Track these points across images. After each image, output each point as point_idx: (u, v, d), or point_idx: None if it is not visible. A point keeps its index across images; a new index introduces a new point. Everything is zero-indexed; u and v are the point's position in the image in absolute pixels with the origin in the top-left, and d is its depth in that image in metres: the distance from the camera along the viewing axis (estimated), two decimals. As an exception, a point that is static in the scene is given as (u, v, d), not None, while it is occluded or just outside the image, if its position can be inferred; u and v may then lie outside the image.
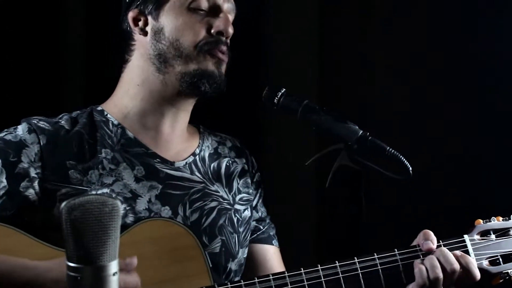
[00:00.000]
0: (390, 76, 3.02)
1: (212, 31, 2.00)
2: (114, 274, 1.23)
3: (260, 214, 2.18)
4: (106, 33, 2.51)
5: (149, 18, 2.01)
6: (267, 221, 2.19)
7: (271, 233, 2.18)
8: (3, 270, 1.68)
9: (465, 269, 1.84)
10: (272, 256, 2.15)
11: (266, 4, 3.13)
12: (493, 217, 1.95)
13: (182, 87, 1.99)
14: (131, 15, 2.03)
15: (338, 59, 3.09)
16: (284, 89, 1.97)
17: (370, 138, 1.90)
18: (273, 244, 2.16)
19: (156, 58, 2.00)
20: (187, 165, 2.05)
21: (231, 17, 2.06)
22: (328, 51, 3.10)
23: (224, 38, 2.02)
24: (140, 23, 2.02)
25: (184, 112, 2.07)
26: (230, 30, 2.02)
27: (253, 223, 2.15)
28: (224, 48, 2.01)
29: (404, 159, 1.86)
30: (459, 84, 2.91)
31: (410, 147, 2.07)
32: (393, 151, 1.87)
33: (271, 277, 1.82)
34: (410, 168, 1.86)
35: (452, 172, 2.90)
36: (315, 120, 1.94)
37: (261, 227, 2.16)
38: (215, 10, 2.02)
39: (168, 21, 1.99)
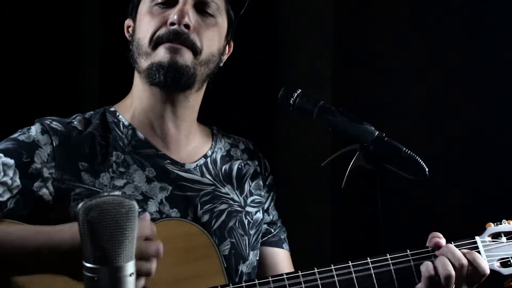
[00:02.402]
0: (405, 76, 3.02)
1: (168, 22, 1.95)
2: (130, 275, 1.24)
3: (271, 217, 2.17)
4: (122, 33, 2.52)
5: (132, 23, 2.06)
6: (278, 224, 2.19)
7: (282, 237, 2.17)
8: (18, 237, 1.68)
9: (473, 265, 1.83)
10: (282, 260, 2.14)
11: (281, 3, 3.14)
12: (504, 220, 1.95)
13: (148, 80, 1.97)
14: (126, 23, 2.08)
15: (354, 59, 3.09)
16: (300, 90, 1.97)
17: (386, 139, 1.89)
18: (283, 248, 2.16)
19: (132, 58, 2.02)
20: (197, 167, 2.05)
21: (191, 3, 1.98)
22: (343, 51, 3.10)
23: (179, 28, 1.94)
24: (130, 29, 2.06)
25: (183, 109, 2.03)
26: (185, 19, 1.95)
27: (264, 226, 2.14)
28: (182, 38, 1.94)
29: (420, 160, 1.86)
30: (476, 84, 2.90)
31: (426, 147, 2.06)
32: (409, 151, 1.87)
33: (284, 276, 1.82)
34: (426, 169, 1.85)
35: (467, 173, 2.89)
36: (331, 121, 1.93)
37: (272, 230, 2.16)
38: (171, 1, 1.98)
39: (137, 21, 2.03)
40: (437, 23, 2.96)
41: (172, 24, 1.95)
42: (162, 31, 1.95)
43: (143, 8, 2.01)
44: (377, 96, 3.03)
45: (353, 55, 3.09)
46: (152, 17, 1.98)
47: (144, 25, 1.99)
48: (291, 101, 1.96)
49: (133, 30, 2.03)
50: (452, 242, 1.88)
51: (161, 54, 1.94)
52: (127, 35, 2.07)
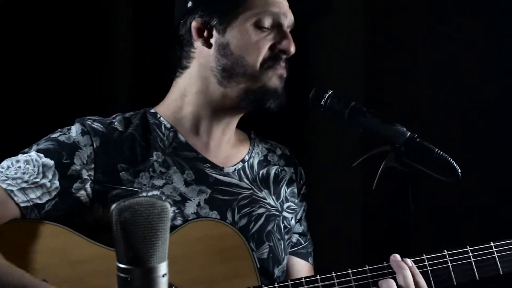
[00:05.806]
0: (437, 76, 3.00)
1: (277, 49, 1.99)
2: (163, 276, 1.24)
3: (303, 228, 2.19)
4: (154, 34, 2.53)
5: (214, 31, 1.99)
6: (308, 236, 2.20)
7: (309, 250, 2.19)
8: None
9: None
10: (307, 273, 2.15)
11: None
12: None
13: (242, 103, 1.99)
14: (195, 25, 2.00)
15: (385, 60, 3.07)
16: (331, 91, 1.97)
17: (418, 140, 1.88)
18: (309, 262, 2.18)
19: (219, 72, 1.98)
20: (236, 171, 2.06)
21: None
22: (374, 52, 3.09)
23: (285, 56, 2.01)
24: (205, 34, 2.00)
25: (235, 119, 2.08)
26: (293, 50, 2.01)
27: (296, 236, 2.16)
28: (283, 64, 2.01)
29: (452, 161, 1.85)
30: (509, 83, 2.88)
31: (459, 148, 2.05)
32: (441, 153, 1.85)
33: (318, 277, 1.83)
34: (459, 170, 1.84)
35: (501, 172, 2.86)
36: (362, 122, 1.93)
37: (303, 242, 2.18)
38: (278, 27, 2.00)
39: (234, 37, 1.97)
40: (471, 23, 2.93)
41: (283, 52, 1.99)
42: (270, 54, 1.98)
43: (246, 27, 1.97)
44: (409, 96, 3.01)
45: (384, 55, 3.07)
46: (261, 38, 1.98)
47: (253, 46, 1.97)
48: (322, 102, 1.96)
49: (226, 45, 1.98)
50: (492, 242, 1.88)
51: (274, 80, 1.99)
52: (199, 39, 2.00)
